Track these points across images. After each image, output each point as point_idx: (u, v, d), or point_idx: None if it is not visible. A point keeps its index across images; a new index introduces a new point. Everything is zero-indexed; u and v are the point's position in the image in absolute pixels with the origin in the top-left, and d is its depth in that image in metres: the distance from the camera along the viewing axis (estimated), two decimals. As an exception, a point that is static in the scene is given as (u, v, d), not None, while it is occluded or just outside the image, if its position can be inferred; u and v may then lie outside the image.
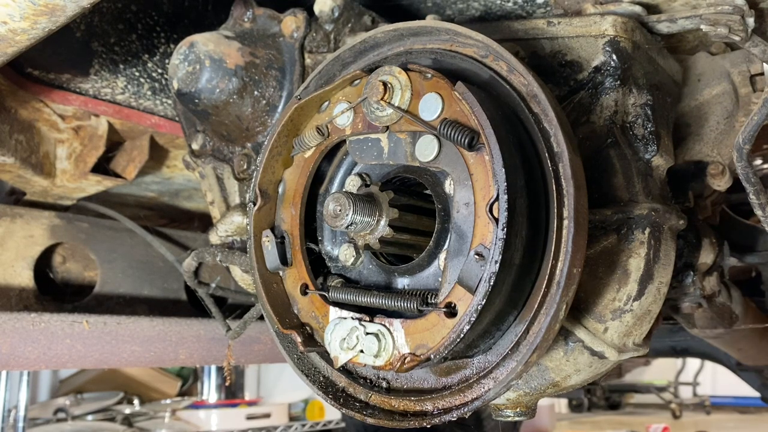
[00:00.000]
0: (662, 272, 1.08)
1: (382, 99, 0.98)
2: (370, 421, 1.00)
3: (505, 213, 0.81)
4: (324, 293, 1.05)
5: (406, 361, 0.90)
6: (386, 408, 1.01)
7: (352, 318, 0.98)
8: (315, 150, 1.10)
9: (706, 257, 1.50)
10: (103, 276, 2.34)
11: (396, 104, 0.98)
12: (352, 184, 1.10)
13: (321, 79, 1.16)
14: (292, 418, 4.21)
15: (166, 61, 1.90)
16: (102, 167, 2.07)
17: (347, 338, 0.97)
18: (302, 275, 1.08)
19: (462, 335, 0.84)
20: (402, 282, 1.04)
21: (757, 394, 3.46)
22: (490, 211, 0.84)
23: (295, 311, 1.08)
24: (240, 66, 1.43)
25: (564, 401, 9.10)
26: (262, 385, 4.45)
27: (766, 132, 1.15)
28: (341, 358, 0.97)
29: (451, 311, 0.87)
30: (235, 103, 1.45)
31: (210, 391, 4.20)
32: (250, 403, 4.20)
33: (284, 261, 1.10)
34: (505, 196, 0.82)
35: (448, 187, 0.98)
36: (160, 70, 1.92)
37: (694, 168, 1.38)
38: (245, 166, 1.56)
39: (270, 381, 4.43)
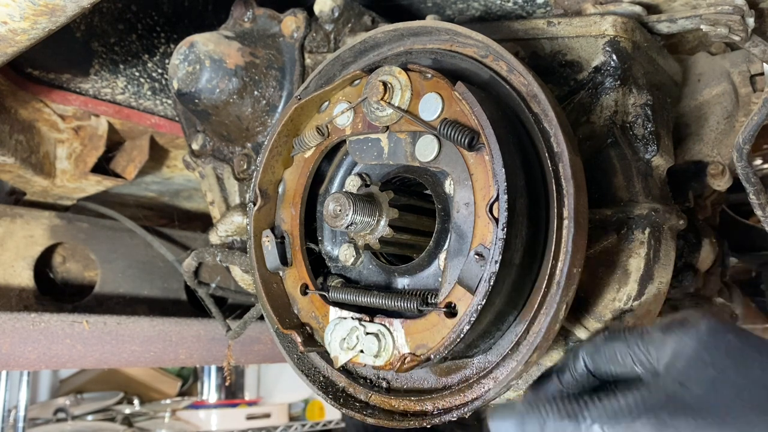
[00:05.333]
0: (662, 272, 1.08)
1: (382, 99, 0.98)
2: (370, 421, 0.99)
3: (505, 213, 0.81)
4: (324, 293, 1.05)
5: (406, 361, 0.90)
6: (386, 408, 1.01)
7: (352, 318, 0.98)
8: (315, 150, 1.10)
9: (706, 257, 1.50)
10: (103, 276, 2.34)
11: (396, 104, 0.98)
12: (352, 184, 1.10)
13: (321, 79, 1.16)
14: (292, 418, 4.21)
15: (166, 61, 1.90)
16: (102, 167, 2.07)
17: (347, 338, 0.97)
18: (302, 275, 1.08)
19: (462, 335, 0.84)
20: (402, 282, 1.04)
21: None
22: (490, 211, 0.84)
23: (295, 311, 1.08)
24: (240, 66, 1.43)
25: (564, 401, 9.08)
26: (262, 385, 4.44)
27: (766, 132, 1.15)
28: (341, 358, 0.97)
29: (451, 311, 0.87)
30: (235, 103, 1.44)
31: (210, 391, 4.19)
32: (250, 403, 4.19)
33: (284, 261, 1.10)
34: (505, 196, 0.82)
35: (448, 187, 0.98)
36: (160, 70, 1.92)
37: (694, 168, 1.38)
38: (245, 166, 1.56)
39: (270, 381, 4.42)
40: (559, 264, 0.85)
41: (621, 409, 0.75)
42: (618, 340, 0.86)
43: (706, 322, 0.80)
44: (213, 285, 2.11)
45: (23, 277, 2.14)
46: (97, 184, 2.10)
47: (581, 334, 1.04)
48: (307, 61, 1.49)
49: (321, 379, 1.11)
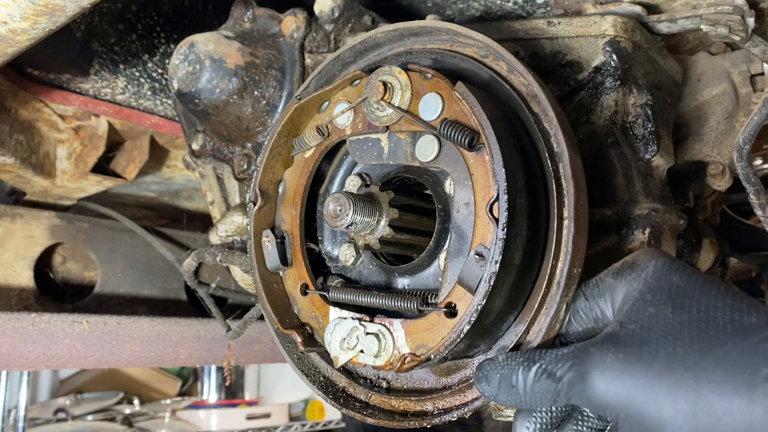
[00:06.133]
0: (662, 272, 1.08)
1: (382, 99, 0.98)
2: (370, 421, 0.99)
3: (506, 213, 0.81)
4: (324, 293, 1.05)
5: (406, 361, 0.90)
6: (386, 408, 1.01)
7: (352, 318, 0.98)
8: (315, 150, 1.10)
9: (706, 257, 1.50)
10: (103, 276, 2.34)
11: (396, 104, 0.98)
12: (352, 184, 1.10)
13: (321, 79, 1.16)
14: (292, 418, 4.21)
15: (166, 61, 1.90)
16: (102, 167, 2.07)
17: (347, 338, 0.97)
18: (302, 275, 1.08)
19: (462, 335, 0.84)
20: (402, 282, 1.04)
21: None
22: (491, 211, 0.84)
23: (295, 311, 1.08)
24: (240, 66, 1.43)
25: (564, 401, 9.08)
26: (262, 385, 4.44)
27: (766, 132, 1.15)
28: (341, 358, 0.97)
29: (451, 311, 0.87)
30: (235, 103, 1.45)
31: (210, 391, 4.19)
32: (250, 403, 4.19)
33: (284, 261, 1.09)
34: (506, 196, 0.82)
35: (448, 187, 0.98)
36: (160, 70, 1.92)
37: (694, 168, 1.38)
38: (245, 166, 1.56)
39: (270, 381, 4.42)
40: (559, 264, 0.85)
41: (567, 353, 0.76)
42: (578, 298, 0.86)
43: (653, 263, 0.79)
44: (213, 285, 2.11)
45: (23, 277, 2.14)
46: (97, 184, 2.10)
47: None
48: (307, 61, 1.49)
49: (321, 379, 1.11)
